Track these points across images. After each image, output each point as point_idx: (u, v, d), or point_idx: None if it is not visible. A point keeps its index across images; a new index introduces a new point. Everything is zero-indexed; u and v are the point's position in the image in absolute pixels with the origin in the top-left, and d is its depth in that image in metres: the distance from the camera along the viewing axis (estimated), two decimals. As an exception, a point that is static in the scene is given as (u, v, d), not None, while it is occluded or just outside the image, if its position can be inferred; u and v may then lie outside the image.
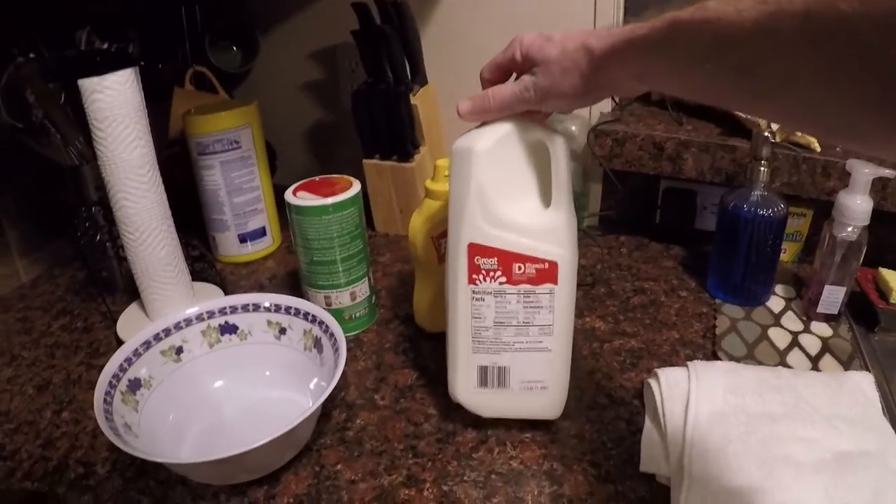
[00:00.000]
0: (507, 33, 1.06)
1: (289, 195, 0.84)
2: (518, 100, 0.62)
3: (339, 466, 0.70)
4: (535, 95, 0.60)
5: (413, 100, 1.05)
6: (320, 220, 0.82)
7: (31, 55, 0.93)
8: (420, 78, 1.08)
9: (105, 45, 1.00)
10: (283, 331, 0.80)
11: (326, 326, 0.76)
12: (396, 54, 1.04)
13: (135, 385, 0.72)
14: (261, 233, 1.13)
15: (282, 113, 1.29)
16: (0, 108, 0.97)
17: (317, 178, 0.88)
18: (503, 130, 0.64)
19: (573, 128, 1.05)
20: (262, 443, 0.59)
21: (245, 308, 0.81)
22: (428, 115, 1.10)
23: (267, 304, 0.81)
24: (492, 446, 0.71)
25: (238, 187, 1.07)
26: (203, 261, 1.04)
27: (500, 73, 0.68)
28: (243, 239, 1.12)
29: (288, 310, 0.80)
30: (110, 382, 0.69)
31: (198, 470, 0.65)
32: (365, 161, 1.10)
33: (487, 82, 0.68)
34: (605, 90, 0.58)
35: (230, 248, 1.12)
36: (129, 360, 0.73)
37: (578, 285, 0.95)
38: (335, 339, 0.74)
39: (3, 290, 1.10)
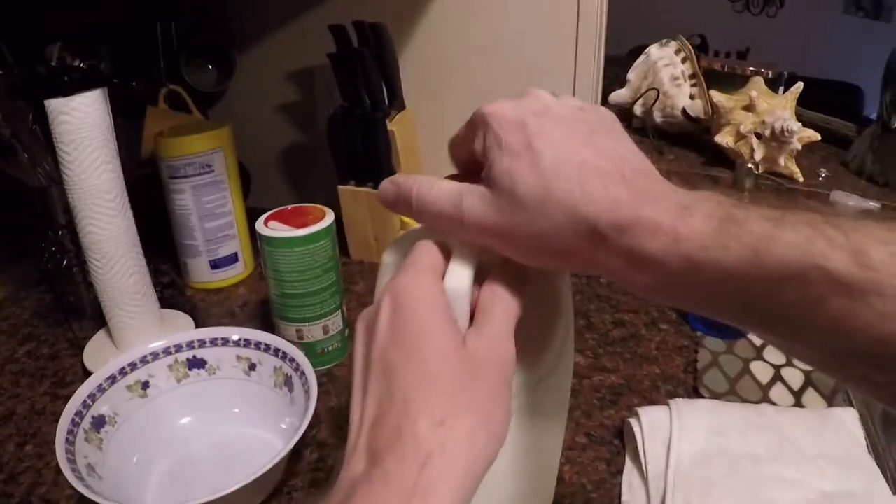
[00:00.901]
0: (488, 58, 1.07)
1: (260, 225, 0.82)
2: (443, 218, 0.42)
3: (309, 510, 0.67)
4: (466, 224, 0.41)
5: (390, 125, 1.04)
6: (292, 252, 0.80)
7: (0, 71, 0.91)
8: (398, 103, 1.07)
9: (77, 62, 0.98)
10: (252, 366, 0.78)
11: (297, 364, 0.74)
12: (374, 78, 1.02)
13: (99, 422, 0.70)
14: (233, 259, 1.11)
15: (257, 135, 1.27)
16: (-35, 126, 0.94)
17: (289, 207, 0.86)
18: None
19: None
20: (230, 490, 0.57)
21: (214, 342, 0.79)
22: (405, 141, 1.08)
23: (236, 338, 0.79)
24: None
25: (210, 212, 1.05)
26: (173, 287, 1.01)
27: (465, 154, 0.46)
28: (215, 265, 1.09)
29: (258, 345, 0.78)
30: (73, 420, 0.67)
31: None
32: (340, 187, 1.09)
33: (455, 160, 0.49)
34: (585, 265, 0.40)
35: (201, 274, 1.10)
36: (92, 396, 0.70)
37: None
38: (306, 379, 0.72)
39: (-33, 312, 1.07)
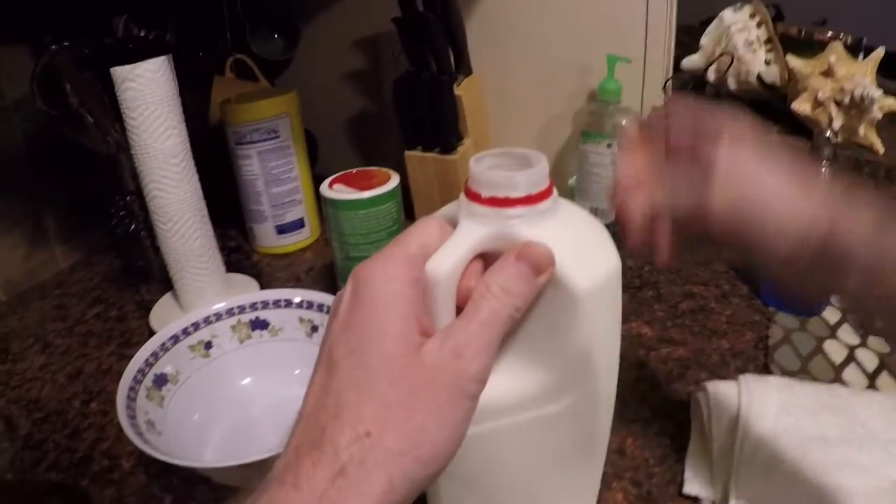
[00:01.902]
0: (556, 22, 1.04)
1: (324, 188, 0.82)
2: None
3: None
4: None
5: (457, 90, 1.02)
6: (356, 215, 0.80)
7: (67, 43, 0.92)
8: (465, 68, 1.05)
9: (142, 33, 0.98)
10: (314, 328, 0.78)
11: None
12: (439, 43, 1.00)
13: (161, 380, 0.71)
14: (299, 224, 1.11)
15: (324, 102, 1.27)
16: (35, 97, 0.96)
17: (354, 171, 0.85)
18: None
19: (623, 121, 1.00)
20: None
21: (277, 304, 0.79)
22: (473, 106, 1.06)
23: (298, 300, 0.78)
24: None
25: (276, 178, 1.06)
26: (239, 252, 1.02)
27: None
28: (281, 230, 1.10)
29: (321, 307, 0.77)
30: (135, 378, 0.68)
31: (221, 473, 0.63)
32: (407, 153, 1.07)
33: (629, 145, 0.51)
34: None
35: (267, 239, 1.11)
36: (155, 355, 0.71)
37: (625, 288, 0.92)
38: None
39: (42, 276, 1.10)
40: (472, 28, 1.07)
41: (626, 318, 0.86)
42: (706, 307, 0.90)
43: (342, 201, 0.79)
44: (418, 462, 0.33)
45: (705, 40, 1.10)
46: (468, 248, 0.39)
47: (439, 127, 1.03)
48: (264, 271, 1.06)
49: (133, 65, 0.79)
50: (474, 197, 0.40)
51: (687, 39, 1.09)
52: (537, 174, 0.40)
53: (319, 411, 0.34)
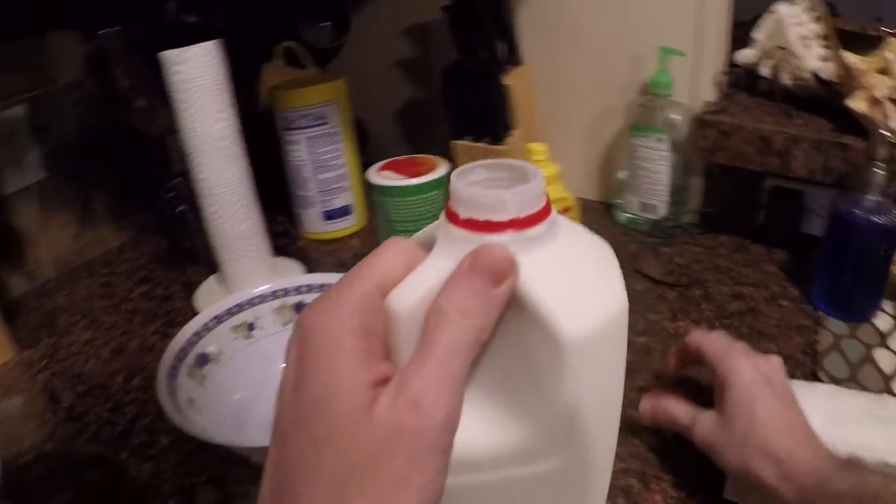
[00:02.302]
0: (610, 14, 1.02)
1: (372, 174, 0.82)
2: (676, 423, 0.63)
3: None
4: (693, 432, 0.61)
5: (507, 81, 1.01)
6: (404, 201, 0.79)
7: (118, 27, 0.93)
8: (514, 58, 1.05)
9: (193, 19, 0.99)
10: None
11: None
12: (490, 32, 1.00)
13: (203, 360, 0.71)
14: (346, 210, 1.11)
15: (373, 89, 1.27)
16: (87, 80, 0.97)
17: (403, 158, 0.85)
18: None
19: (674, 116, 0.99)
20: None
21: (321, 288, 0.79)
22: (522, 97, 1.05)
23: None
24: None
25: (324, 164, 1.06)
26: (286, 237, 1.03)
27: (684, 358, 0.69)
28: (328, 216, 1.10)
29: None
30: (177, 356, 0.68)
31: (260, 453, 0.63)
32: (455, 142, 1.07)
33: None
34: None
35: (314, 224, 1.11)
36: (198, 334, 0.72)
37: (673, 285, 0.91)
38: None
39: (90, 254, 1.12)
40: (523, 18, 1.06)
41: (673, 316, 0.85)
42: (755, 308, 0.88)
43: (390, 188, 0.79)
44: None
45: (759, 34, 1.07)
46: (436, 280, 0.32)
47: (488, 117, 1.03)
48: (310, 257, 1.07)
49: (182, 48, 0.80)
50: (452, 217, 0.33)
51: (740, 34, 1.07)
52: (528, 193, 0.33)
53: (273, 492, 0.32)
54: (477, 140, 1.06)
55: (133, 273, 1.06)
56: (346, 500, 0.29)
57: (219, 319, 0.74)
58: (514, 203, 0.32)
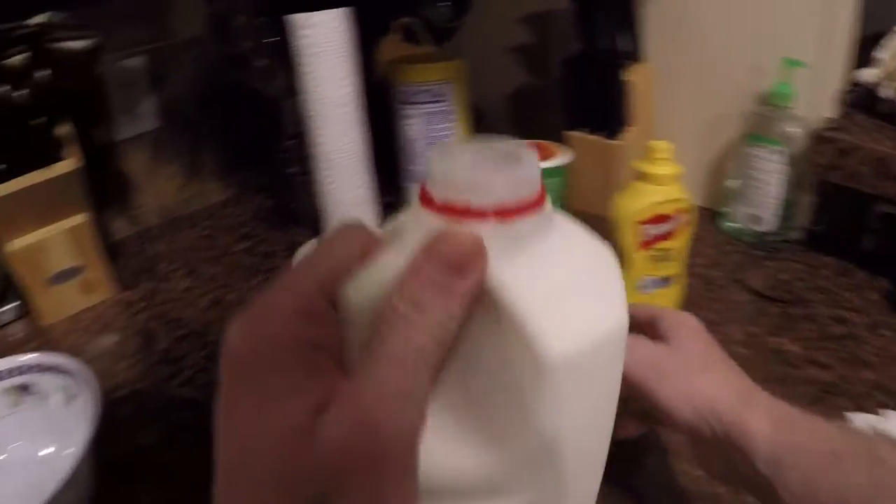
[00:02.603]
0: (734, 20, 1.00)
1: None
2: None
3: None
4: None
5: (628, 76, 1.01)
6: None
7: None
8: (636, 54, 1.03)
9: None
10: None
11: None
12: (614, 25, 0.99)
13: None
14: (455, 188, 1.11)
15: (486, 72, 1.26)
16: (210, 38, 0.99)
17: (525, 142, 0.84)
18: None
19: (792, 129, 0.96)
20: None
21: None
22: (642, 93, 1.05)
23: None
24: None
25: (437, 140, 1.07)
26: (392, 208, 1.03)
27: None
28: (438, 191, 1.10)
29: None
30: None
31: None
32: (568, 133, 1.06)
33: None
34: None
35: (423, 199, 1.11)
36: None
37: (776, 300, 0.89)
38: None
39: (194, 206, 1.14)
40: (647, 15, 1.05)
41: (774, 331, 0.83)
42: (856, 335, 0.86)
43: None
44: None
45: (883, 54, 1.04)
46: (395, 274, 0.26)
47: (606, 110, 1.02)
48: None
49: (311, 13, 0.80)
50: (425, 200, 0.27)
51: (862, 52, 1.03)
52: (519, 175, 0.27)
53: None
54: (592, 133, 1.05)
55: (235, 228, 1.08)
56: None
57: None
58: (500, 184, 0.26)
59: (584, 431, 0.29)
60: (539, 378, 0.26)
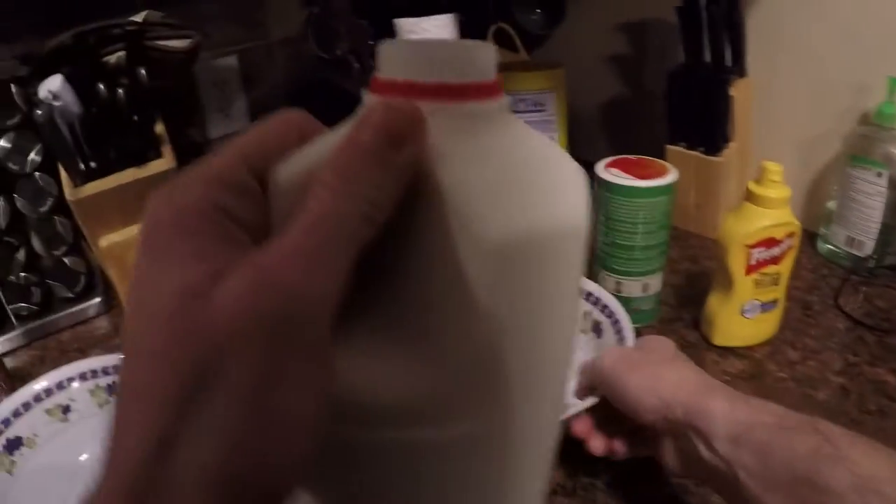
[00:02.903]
0: (839, 36, 0.98)
1: (601, 169, 0.80)
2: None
3: None
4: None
5: (732, 91, 0.99)
6: (630, 203, 0.78)
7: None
8: (739, 68, 1.01)
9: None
10: None
11: (611, 312, 0.73)
12: (721, 38, 0.97)
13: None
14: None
15: (578, 82, 1.25)
16: (308, 39, 0.99)
17: (632, 157, 0.84)
18: None
19: (894, 150, 0.93)
20: None
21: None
22: (743, 109, 1.03)
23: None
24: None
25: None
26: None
27: None
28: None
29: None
30: None
31: None
32: (669, 147, 1.05)
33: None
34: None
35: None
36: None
37: (874, 329, 0.87)
38: (620, 328, 0.71)
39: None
40: (749, 27, 1.02)
41: (872, 361, 0.81)
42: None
43: (619, 186, 0.78)
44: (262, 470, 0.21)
45: None
46: (328, 151, 0.24)
47: (708, 126, 1.01)
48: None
49: (420, 18, 0.80)
50: (374, 83, 0.26)
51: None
52: (470, 59, 0.25)
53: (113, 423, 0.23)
54: (692, 148, 1.04)
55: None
56: (185, 422, 0.21)
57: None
58: (446, 64, 0.24)
59: (531, 345, 0.26)
60: (477, 265, 0.23)
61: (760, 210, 0.75)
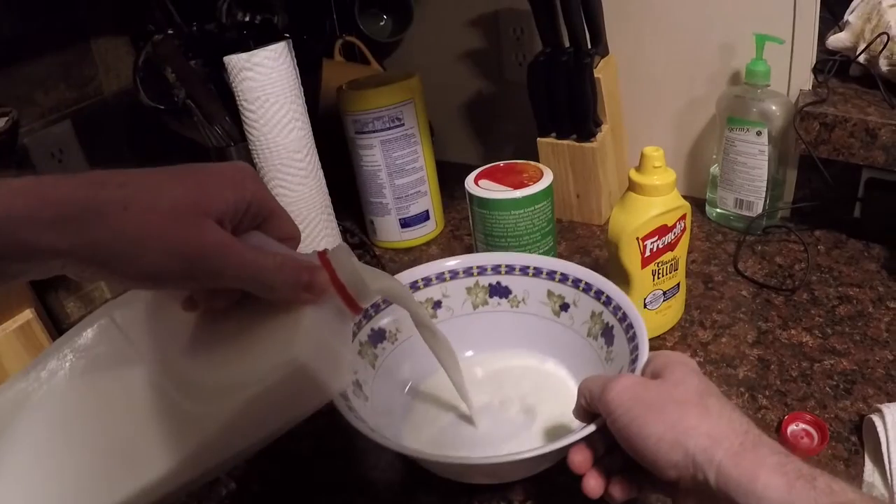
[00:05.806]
0: (700, 0, 0.95)
1: (470, 184, 0.76)
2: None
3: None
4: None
5: (596, 72, 0.96)
6: (509, 215, 0.73)
7: (170, 31, 0.88)
8: (602, 48, 0.98)
9: (247, 18, 0.94)
10: (564, 307, 0.69)
11: (624, 315, 0.65)
12: (577, 21, 0.93)
13: (377, 337, 0.66)
14: (424, 217, 1.06)
15: (437, 85, 1.21)
16: (138, 91, 0.92)
17: (500, 164, 0.80)
18: None
19: (772, 107, 0.92)
20: (521, 457, 0.51)
21: (524, 270, 0.71)
22: (609, 88, 1.00)
23: (550, 269, 0.70)
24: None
25: (400, 168, 1.01)
26: (361, 248, 0.97)
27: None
28: (405, 223, 1.05)
29: (577, 283, 0.69)
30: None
31: (428, 463, 0.58)
32: (540, 139, 1.02)
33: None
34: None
35: (390, 233, 1.06)
36: (375, 307, 0.66)
37: (779, 289, 0.85)
38: (634, 335, 0.62)
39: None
40: (606, 4, 0.99)
41: (784, 324, 0.82)
42: (864, 312, 0.83)
43: (494, 201, 0.73)
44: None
45: (852, 17, 1.01)
46: None
47: (577, 112, 0.98)
48: (388, 268, 1.02)
49: (250, 52, 0.74)
50: (322, 256, 0.47)
51: (826, 14, 1.00)
52: (370, 297, 0.48)
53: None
54: (563, 137, 1.01)
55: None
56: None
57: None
58: (359, 284, 0.47)
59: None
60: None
61: (647, 199, 0.72)
